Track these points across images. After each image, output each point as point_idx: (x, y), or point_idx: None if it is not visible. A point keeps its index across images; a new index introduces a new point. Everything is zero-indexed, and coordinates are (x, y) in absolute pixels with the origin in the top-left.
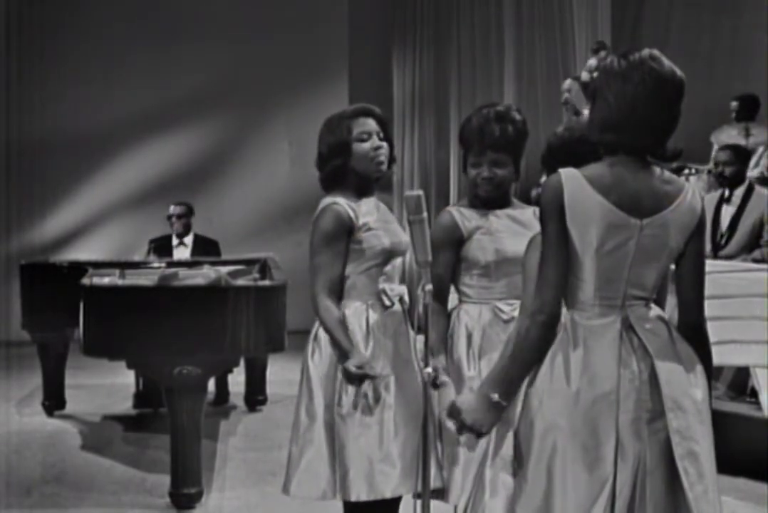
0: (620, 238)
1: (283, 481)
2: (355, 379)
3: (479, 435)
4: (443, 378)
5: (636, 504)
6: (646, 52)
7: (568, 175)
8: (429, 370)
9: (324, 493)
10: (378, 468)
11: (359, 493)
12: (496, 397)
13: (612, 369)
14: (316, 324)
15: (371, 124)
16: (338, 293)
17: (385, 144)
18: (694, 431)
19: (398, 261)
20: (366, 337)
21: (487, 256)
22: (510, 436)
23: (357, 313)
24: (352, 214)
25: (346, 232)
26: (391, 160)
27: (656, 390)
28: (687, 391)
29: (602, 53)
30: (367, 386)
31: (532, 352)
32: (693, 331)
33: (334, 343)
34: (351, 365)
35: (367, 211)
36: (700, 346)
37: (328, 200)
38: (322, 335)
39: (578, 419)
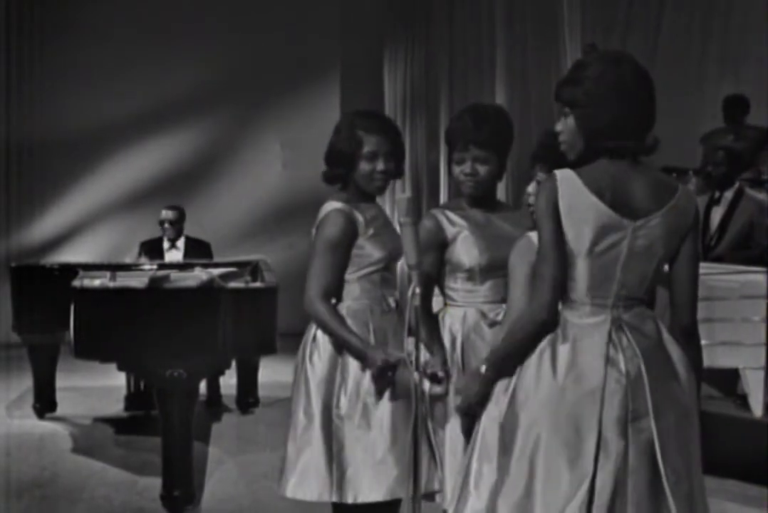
0: (613, 239)
1: (279, 481)
2: (387, 369)
3: (468, 408)
4: (441, 373)
5: (617, 503)
6: (612, 54)
7: (563, 176)
8: (415, 374)
9: (320, 495)
10: (376, 470)
11: (356, 495)
12: (483, 368)
13: (599, 367)
14: (312, 326)
15: (383, 143)
16: (333, 298)
17: (391, 167)
18: (678, 433)
19: (395, 265)
20: (367, 339)
21: (472, 259)
22: (495, 429)
23: (357, 317)
24: (357, 220)
25: (350, 238)
26: (398, 174)
27: (643, 390)
28: (673, 392)
29: None
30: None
31: (525, 349)
32: (685, 332)
33: (344, 344)
34: (378, 358)
35: (371, 216)
36: (691, 347)
37: (333, 205)
38: (321, 337)
39: (562, 415)
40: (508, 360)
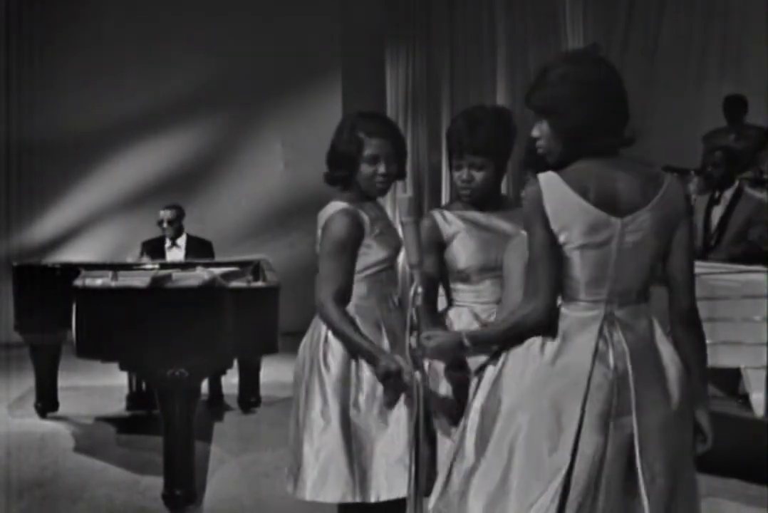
0: (602, 237)
1: (292, 483)
2: (393, 376)
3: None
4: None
5: (589, 500)
6: (573, 53)
7: (546, 179)
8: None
9: (344, 495)
10: (396, 467)
11: (379, 494)
12: (465, 339)
13: (586, 360)
14: (321, 327)
15: (384, 146)
16: (346, 300)
17: (392, 169)
18: (662, 433)
19: (396, 263)
20: (380, 338)
21: (469, 260)
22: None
23: (367, 316)
24: (363, 219)
25: (358, 238)
26: (400, 175)
27: (628, 387)
28: (660, 393)
29: None
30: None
31: (512, 340)
32: (685, 316)
33: (356, 349)
34: (388, 363)
35: (375, 216)
36: (692, 335)
37: (338, 205)
38: (333, 339)
39: (545, 403)
40: (492, 344)
